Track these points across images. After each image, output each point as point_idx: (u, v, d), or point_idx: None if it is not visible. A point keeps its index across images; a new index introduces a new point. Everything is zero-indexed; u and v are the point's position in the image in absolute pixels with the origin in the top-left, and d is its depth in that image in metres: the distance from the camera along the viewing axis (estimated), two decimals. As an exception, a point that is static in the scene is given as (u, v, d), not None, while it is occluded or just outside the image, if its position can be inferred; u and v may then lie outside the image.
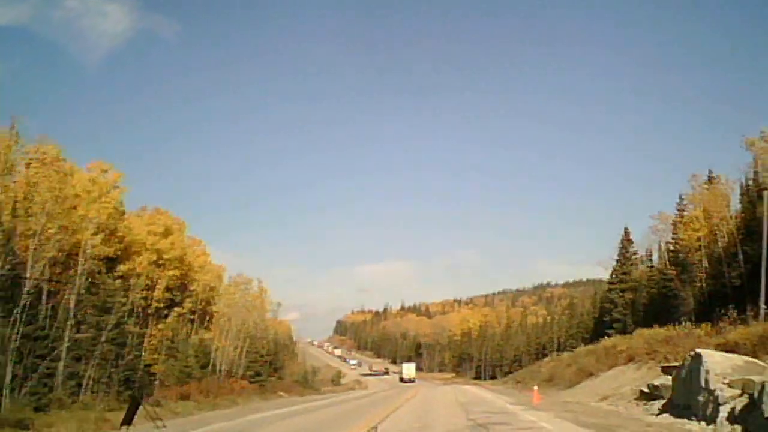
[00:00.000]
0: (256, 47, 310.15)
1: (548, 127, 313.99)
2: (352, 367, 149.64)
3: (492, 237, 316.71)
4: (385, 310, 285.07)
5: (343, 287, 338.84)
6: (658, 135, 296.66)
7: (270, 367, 62.26)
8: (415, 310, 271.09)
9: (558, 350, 76.70)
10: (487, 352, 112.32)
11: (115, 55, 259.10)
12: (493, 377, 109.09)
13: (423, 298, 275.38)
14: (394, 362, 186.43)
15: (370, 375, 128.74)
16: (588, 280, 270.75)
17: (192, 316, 47.99)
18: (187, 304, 46.32)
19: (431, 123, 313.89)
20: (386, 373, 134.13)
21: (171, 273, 41.18)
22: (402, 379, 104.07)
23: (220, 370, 49.37)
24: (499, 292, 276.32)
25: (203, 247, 52.55)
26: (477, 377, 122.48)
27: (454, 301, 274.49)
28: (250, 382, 51.53)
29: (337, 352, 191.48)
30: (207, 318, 52.79)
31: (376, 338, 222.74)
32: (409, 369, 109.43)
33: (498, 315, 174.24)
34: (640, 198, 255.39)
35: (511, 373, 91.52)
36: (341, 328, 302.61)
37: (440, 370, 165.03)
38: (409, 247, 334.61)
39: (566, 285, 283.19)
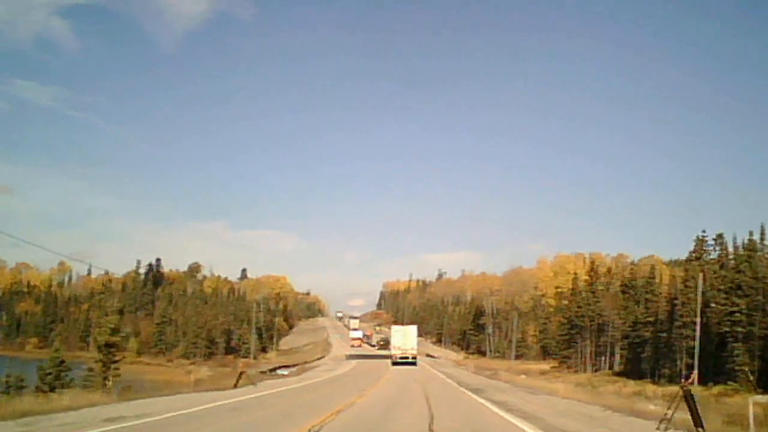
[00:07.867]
0: (331, 27, 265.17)
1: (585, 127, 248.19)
2: (354, 343, 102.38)
3: (562, 233, 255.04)
4: (440, 277, 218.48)
5: (407, 275, 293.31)
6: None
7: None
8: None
9: None
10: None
11: (191, 35, 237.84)
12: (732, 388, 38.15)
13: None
14: (439, 341, 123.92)
15: (358, 357, 73.65)
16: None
17: None
18: None
19: (506, 119, 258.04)
20: (384, 347, 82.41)
21: None
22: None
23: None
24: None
25: None
26: (623, 373, 51.62)
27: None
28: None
29: (353, 324, 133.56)
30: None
31: (417, 308, 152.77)
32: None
33: (620, 264, 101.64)
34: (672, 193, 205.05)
35: None
36: (382, 301, 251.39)
37: (518, 356, 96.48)
38: (476, 239, 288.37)
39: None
